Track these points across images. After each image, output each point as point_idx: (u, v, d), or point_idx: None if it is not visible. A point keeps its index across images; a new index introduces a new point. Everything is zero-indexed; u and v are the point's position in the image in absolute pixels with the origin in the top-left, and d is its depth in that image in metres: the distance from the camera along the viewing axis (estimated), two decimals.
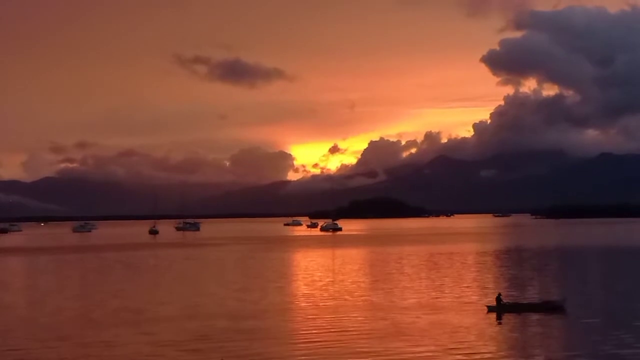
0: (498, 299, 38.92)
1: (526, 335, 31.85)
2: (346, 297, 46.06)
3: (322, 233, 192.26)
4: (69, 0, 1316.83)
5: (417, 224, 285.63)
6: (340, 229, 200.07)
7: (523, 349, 28.86)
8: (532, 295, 45.31)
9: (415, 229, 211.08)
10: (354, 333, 32.18)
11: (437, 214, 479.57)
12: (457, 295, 45.46)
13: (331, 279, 59.17)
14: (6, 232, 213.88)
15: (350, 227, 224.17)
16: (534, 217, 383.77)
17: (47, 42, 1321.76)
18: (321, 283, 55.66)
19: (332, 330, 33.26)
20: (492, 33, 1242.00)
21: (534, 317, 36.53)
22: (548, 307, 38.57)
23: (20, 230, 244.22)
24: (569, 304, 39.18)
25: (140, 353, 28.58)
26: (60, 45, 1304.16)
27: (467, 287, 50.79)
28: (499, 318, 36.20)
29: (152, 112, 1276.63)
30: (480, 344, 29.30)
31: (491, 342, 30.00)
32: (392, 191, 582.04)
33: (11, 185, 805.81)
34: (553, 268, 70.31)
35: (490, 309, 38.12)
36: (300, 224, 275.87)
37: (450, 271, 64.41)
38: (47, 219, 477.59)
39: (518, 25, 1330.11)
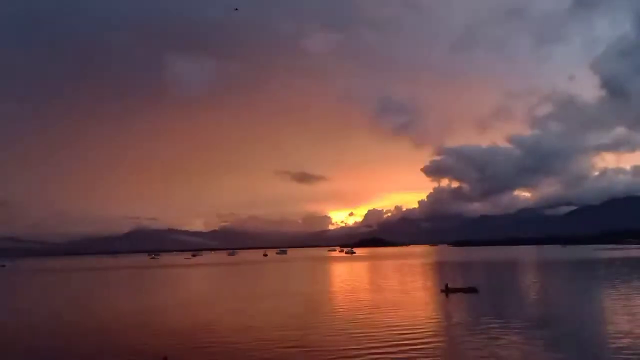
0: (446, 285, 46.78)
1: (463, 306, 37.85)
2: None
3: (345, 255, 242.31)
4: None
5: (391, 250, 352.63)
6: (354, 252, 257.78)
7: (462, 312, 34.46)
8: (460, 284, 51.67)
9: (392, 252, 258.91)
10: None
11: (401, 244, 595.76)
12: (420, 285, 51.43)
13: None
14: (196, 256, 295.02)
15: (359, 252, 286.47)
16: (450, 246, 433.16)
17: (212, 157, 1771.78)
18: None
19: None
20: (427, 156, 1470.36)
21: (463, 295, 43.89)
22: (470, 290, 46.87)
23: (202, 255, 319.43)
24: (481, 288, 46.48)
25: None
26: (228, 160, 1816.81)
27: (426, 280, 57.92)
28: (447, 296, 43.76)
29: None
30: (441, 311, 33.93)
31: (444, 310, 35.34)
32: (378, 234, 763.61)
33: (196, 233, 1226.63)
34: (470, 271, 79.95)
35: (442, 291, 45.89)
36: (335, 250, 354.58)
37: (417, 274, 69.47)
38: (213, 249, 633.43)
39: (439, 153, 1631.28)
